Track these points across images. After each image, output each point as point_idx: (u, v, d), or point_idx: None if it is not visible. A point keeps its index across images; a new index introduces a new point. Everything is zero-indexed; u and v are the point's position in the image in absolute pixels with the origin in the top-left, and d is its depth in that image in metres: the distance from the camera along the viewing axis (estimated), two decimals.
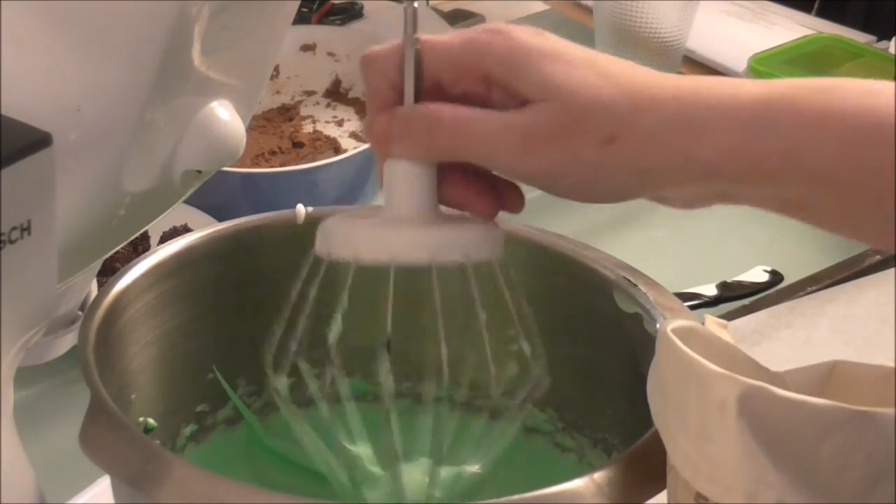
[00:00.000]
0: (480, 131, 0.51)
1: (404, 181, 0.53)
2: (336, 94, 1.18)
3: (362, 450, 0.64)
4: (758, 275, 0.98)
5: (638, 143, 0.49)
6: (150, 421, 0.64)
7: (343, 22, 1.35)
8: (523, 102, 0.50)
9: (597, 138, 0.49)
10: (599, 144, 0.49)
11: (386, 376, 0.58)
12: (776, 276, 0.98)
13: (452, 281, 0.54)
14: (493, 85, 0.52)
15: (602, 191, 0.52)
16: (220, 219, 0.89)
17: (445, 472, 0.63)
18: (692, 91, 0.49)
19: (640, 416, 0.54)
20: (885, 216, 0.47)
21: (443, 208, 0.55)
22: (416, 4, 0.52)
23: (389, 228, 0.53)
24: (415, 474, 0.64)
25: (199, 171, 0.60)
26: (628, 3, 1.18)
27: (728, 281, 0.97)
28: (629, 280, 0.64)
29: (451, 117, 0.51)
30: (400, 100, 0.53)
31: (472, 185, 0.54)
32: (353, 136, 1.12)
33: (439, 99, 0.52)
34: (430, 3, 1.39)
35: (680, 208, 0.53)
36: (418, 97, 0.52)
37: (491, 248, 0.54)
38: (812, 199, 0.49)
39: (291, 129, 1.11)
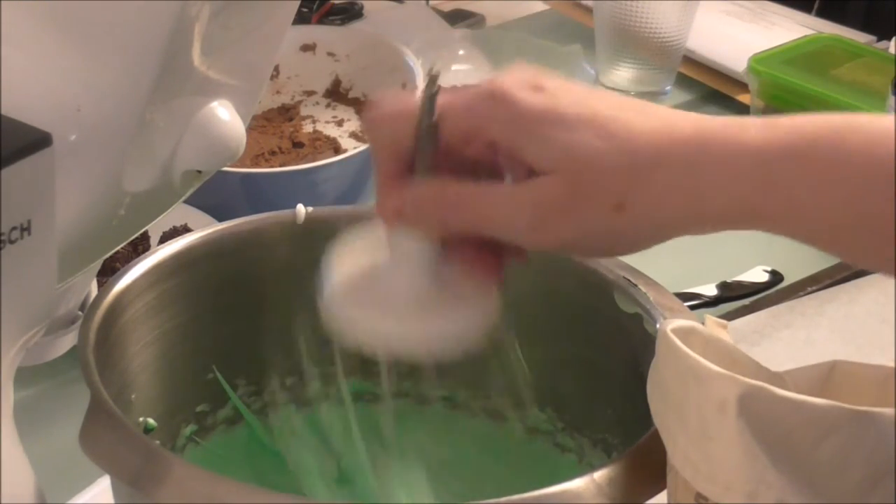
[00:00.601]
0: (491, 212, 0.51)
1: (409, 256, 0.54)
2: (336, 94, 1.18)
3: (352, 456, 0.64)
4: (758, 275, 0.98)
5: (644, 207, 0.50)
6: (150, 421, 0.64)
7: (343, 22, 1.35)
8: (530, 170, 0.51)
9: (605, 208, 0.50)
10: (608, 213, 0.50)
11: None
12: (776, 276, 0.98)
13: None
14: (499, 150, 0.52)
15: (617, 249, 0.53)
16: (220, 219, 0.89)
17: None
18: (697, 143, 0.49)
19: (640, 416, 0.54)
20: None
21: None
22: (436, 90, 0.52)
23: (391, 323, 0.54)
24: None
25: (199, 171, 0.60)
26: (628, 3, 1.18)
27: (728, 281, 0.97)
28: (629, 280, 0.64)
29: (459, 200, 0.52)
30: (408, 167, 0.53)
31: (476, 251, 0.54)
32: (353, 136, 1.12)
33: (449, 162, 0.53)
34: (430, 3, 1.39)
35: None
36: (431, 168, 0.53)
37: (484, 328, 0.55)
38: (821, 240, 0.49)
39: (291, 129, 1.11)
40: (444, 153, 0.53)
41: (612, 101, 0.51)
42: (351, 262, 0.56)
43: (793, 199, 0.48)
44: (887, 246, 0.47)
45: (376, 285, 0.55)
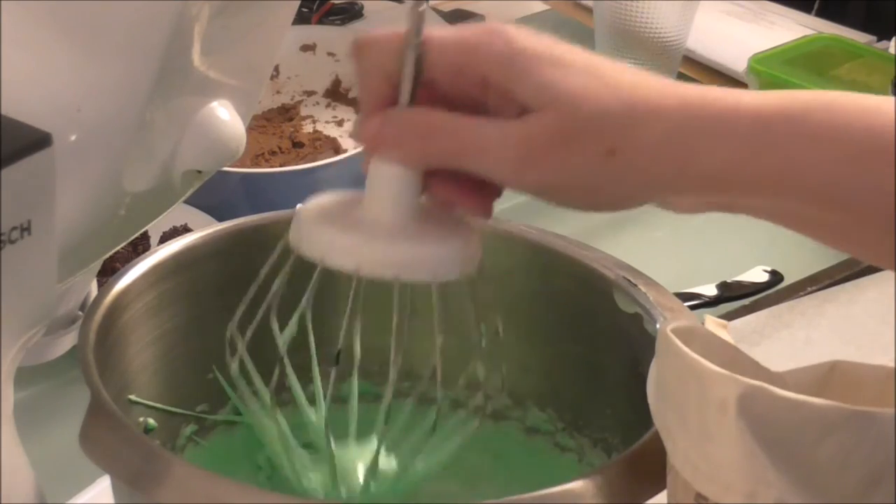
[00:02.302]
0: (476, 143, 0.49)
1: (387, 185, 0.52)
2: (336, 94, 1.18)
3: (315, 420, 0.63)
4: (758, 275, 0.98)
5: (637, 155, 0.48)
6: (150, 421, 0.64)
7: (343, 22, 1.35)
8: (521, 109, 0.49)
9: (596, 151, 0.48)
10: (599, 157, 0.48)
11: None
12: (776, 276, 0.98)
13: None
14: (490, 88, 0.50)
15: (602, 201, 0.51)
16: (220, 219, 0.89)
17: (385, 462, 0.62)
18: (695, 102, 0.49)
19: (640, 416, 0.54)
20: (885, 233, 0.47)
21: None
22: (423, 7, 0.50)
23: (360, 238, 0.52)
24: (354, 458, 0.63)
25: (199, 171, 0.60)
26: (628, 3, 1.18)
27: (728, 281, 0.97)
28: (629, 280, 0.64)
29: (446, 126, 0.50)
30: (395, 95, 0.51)
31: (462, 185, 0.52)
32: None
33: (434, 99, 0.51)
34: (430, 3, 1.39)
35: (682, 213, 0.53)
36: (414, 99, 0.51)
37: (460, 267, 0.53)
38: (811, 214, 0.49)
39: (291, 129, 1.11)
40: (432, 88, 0.51)
41: (609, 62, 0.50)
42: (328, 198, 0.55)
43: (787, 165, 0.47)
44: (886, 219, 0.47)
45: (351, 212, 0.53)
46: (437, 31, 0.51)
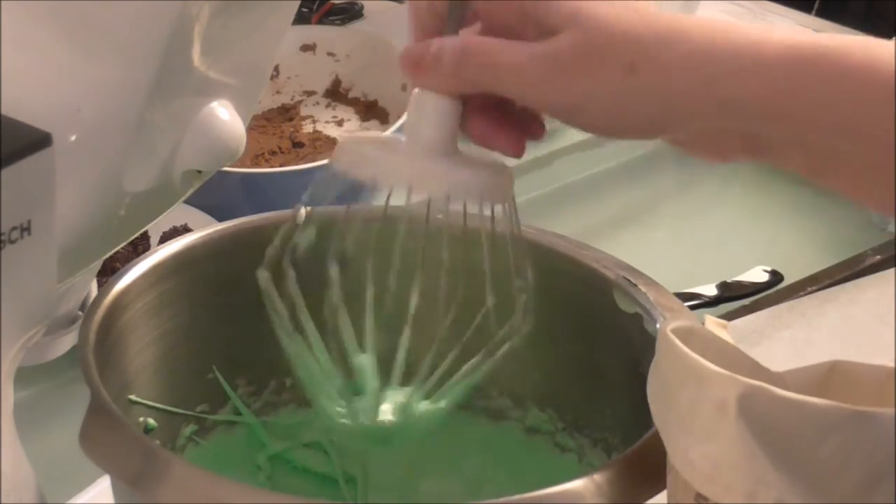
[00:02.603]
0: (505, 61, 0.51)
1: (429, 114, 0.54)
2: (336, 94, 1.18)
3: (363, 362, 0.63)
4: (758, 275, 0.98)
5: (659, 73, 0.49)
6: (150, 421, 0.64)
7: (343, 22, 1.35)
8: (552, 35, 0.51)
9: (618, 68, 0.50)
10: (620, 74, 0.50)
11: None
12: (776, 276, 0.98)
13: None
14: (527, 18, 0.52)
15: (624, 123, 0.52)
16: (220, 219, 0.89)
17: (397, 395, 0.62)
18: (721, 31, 0.50)
19: (640, 416, 0.54)
20: None
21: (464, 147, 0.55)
22: None
23: (409, 157, 0.54)
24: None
25: (199, 171, 0.60)
26: None
27: (728, 281, 0.97)
28: (629, 280, 0.64)
29: (477, 48, 0.52)
30: (440, 27, 0.53)
31: (498, 122, 0.54)
32: None
33: (480, 34, 0.53)
34: None
35: (710, 160, 0.53)
36: (459, 29, 0.53)
37: (501, 195, 0.55)
38: (839, 151, 0.49)
39: (291, 129, 1.11)
40: (478, 22, 0.53)
41: None
42: (365, 135, 0.57)
43: (819, 96, 0.47)
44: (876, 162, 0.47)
45: (392, 140, 0.55)
46: None
